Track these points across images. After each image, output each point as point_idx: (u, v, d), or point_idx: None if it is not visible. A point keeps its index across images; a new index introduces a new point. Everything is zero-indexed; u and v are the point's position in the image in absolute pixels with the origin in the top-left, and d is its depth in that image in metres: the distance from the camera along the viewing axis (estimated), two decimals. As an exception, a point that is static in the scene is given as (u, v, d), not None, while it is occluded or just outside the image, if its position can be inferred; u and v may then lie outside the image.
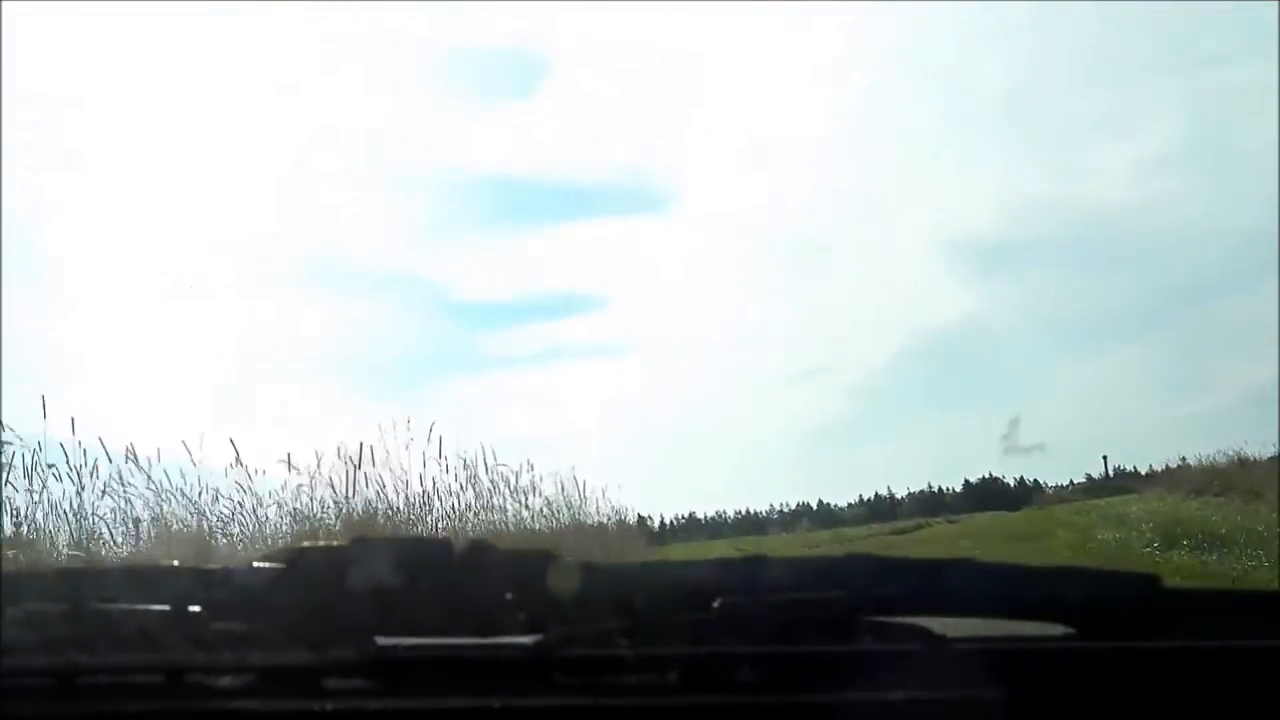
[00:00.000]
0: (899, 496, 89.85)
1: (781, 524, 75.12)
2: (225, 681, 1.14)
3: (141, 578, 1.32)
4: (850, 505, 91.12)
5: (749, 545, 34.13)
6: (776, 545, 34.76)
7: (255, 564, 1.25)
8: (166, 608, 1.16)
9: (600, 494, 17.04)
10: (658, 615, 1.15)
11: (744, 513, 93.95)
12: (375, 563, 1.18)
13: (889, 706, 1.07)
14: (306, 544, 1.31)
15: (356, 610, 1.15)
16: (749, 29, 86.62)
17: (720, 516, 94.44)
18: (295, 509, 11.56)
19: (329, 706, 1.09)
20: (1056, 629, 1.14)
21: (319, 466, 11.67)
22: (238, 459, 11.05)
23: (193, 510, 10.66)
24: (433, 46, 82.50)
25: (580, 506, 16.55)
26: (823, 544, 30.22)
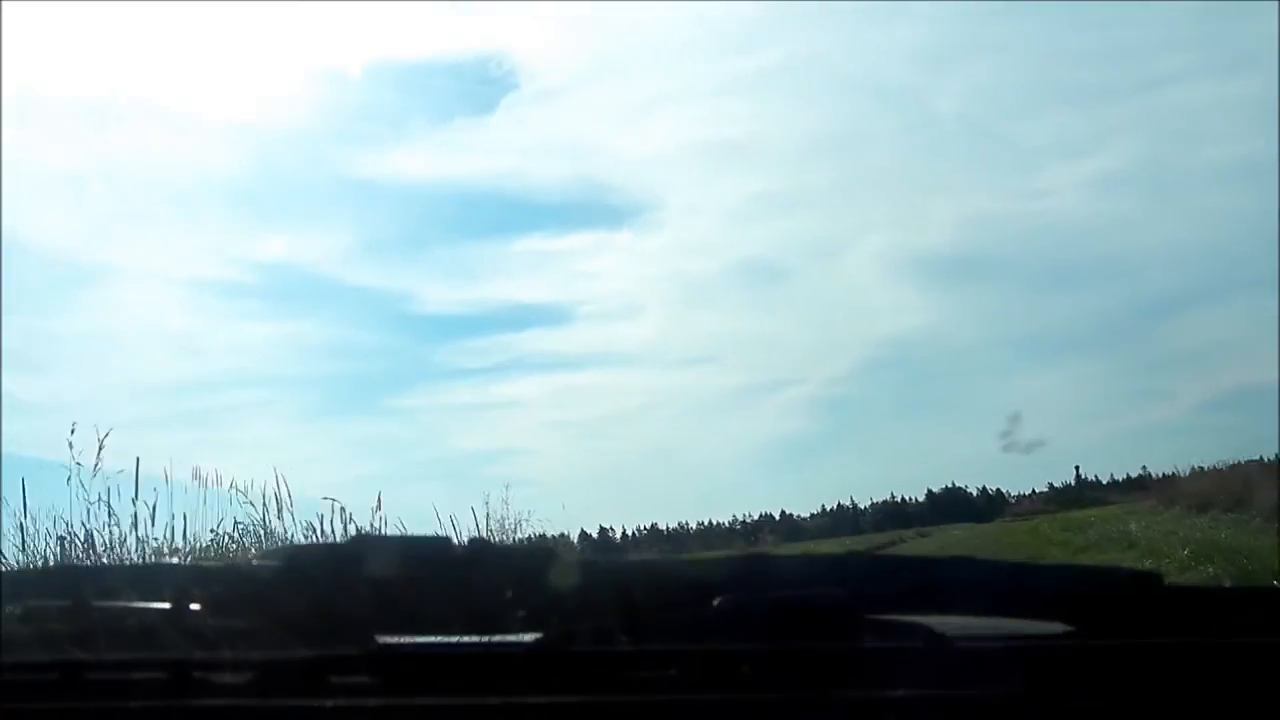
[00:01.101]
0: (862, 507, 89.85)
1: (744, 535, 74.38)
2: (226, 678, 1.13)
3: (142, 575, 1.39)
4: (813, 515, 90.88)
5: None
6: None
7: (256, 561, 1.29)
8: (167, 605, 1.16)
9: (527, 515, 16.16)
10: (658, 612, 1.14)
11: (707, 524, 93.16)
12: (376, 560, 1.18)
13: (889, 704, 1.07)
14: (306, 542, 1.28)
15: (357, 607, 1.15)
16: (710, 48, 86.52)
17: (683, 528, 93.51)
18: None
19: (330, 704, 1.10)
20: (1056, 627, 1.13)
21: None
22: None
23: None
24: (398, 57, 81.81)
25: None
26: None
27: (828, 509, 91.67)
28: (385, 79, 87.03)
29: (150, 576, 1.33)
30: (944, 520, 65.43)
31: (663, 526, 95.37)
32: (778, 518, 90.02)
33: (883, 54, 78.12)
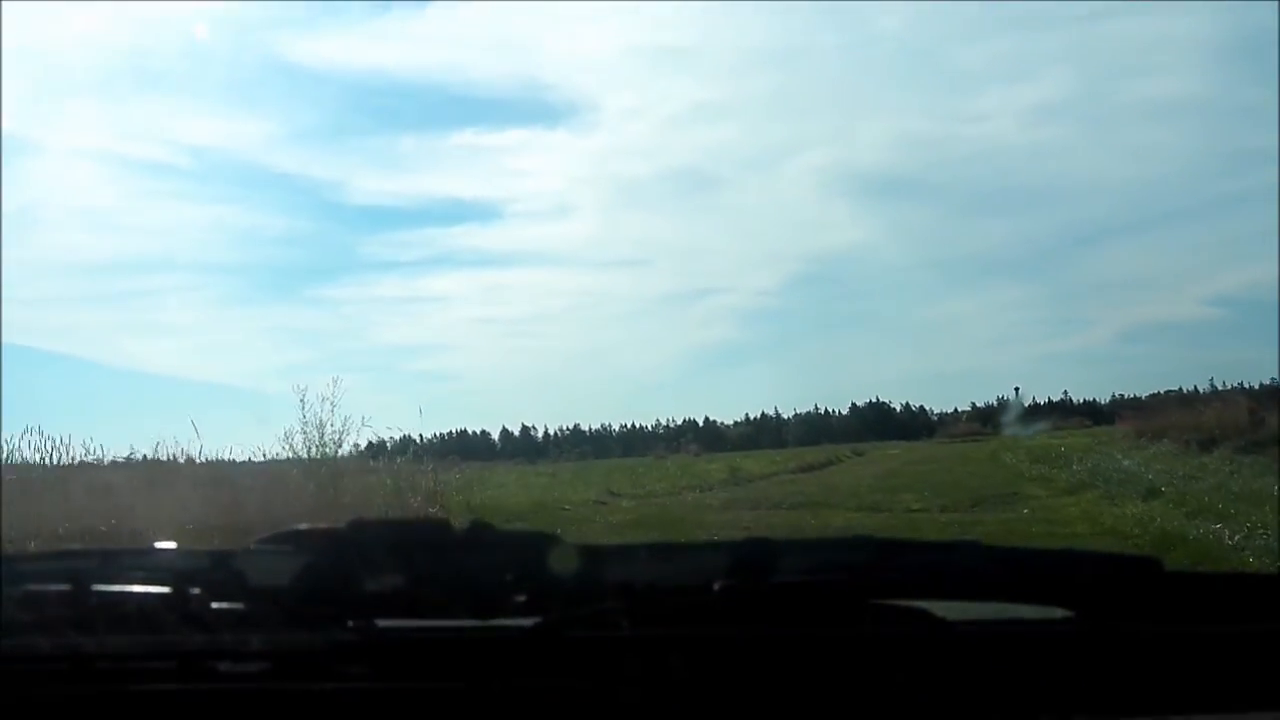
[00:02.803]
0: (785, 417, 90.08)
1: (666, 440, 73.73)
2: (225, 663, 1.13)
3: (141, 560, 1.32)
4: (735, 424, 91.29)
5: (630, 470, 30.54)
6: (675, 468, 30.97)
7: (254, 546, 1.24)
8: (167, 590, 1.15)
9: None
10: (658, 597, 1.14)
11: (629, 427, 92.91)
12: (374, 544, 1.19)
13: (892, 689, 1.07)
14: (305, 526, 1.22)
15: (356, 592, 1.14)
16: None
17: (605, 429, 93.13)
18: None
19: (329, 688, 1.10)
20: (1057, 612, 1.13)
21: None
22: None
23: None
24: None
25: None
26: (717, 476, 25.87)
27: (751, 418, 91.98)
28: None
29: (150, 561, 1.31)
30: (870, 435, 65.27)
31: (585, 428, 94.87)
32: (700, 424, 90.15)
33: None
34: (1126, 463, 18.23)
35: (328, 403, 15.24)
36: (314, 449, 15.03)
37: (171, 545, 1.44)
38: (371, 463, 16.89)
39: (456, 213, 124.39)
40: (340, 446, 15.48)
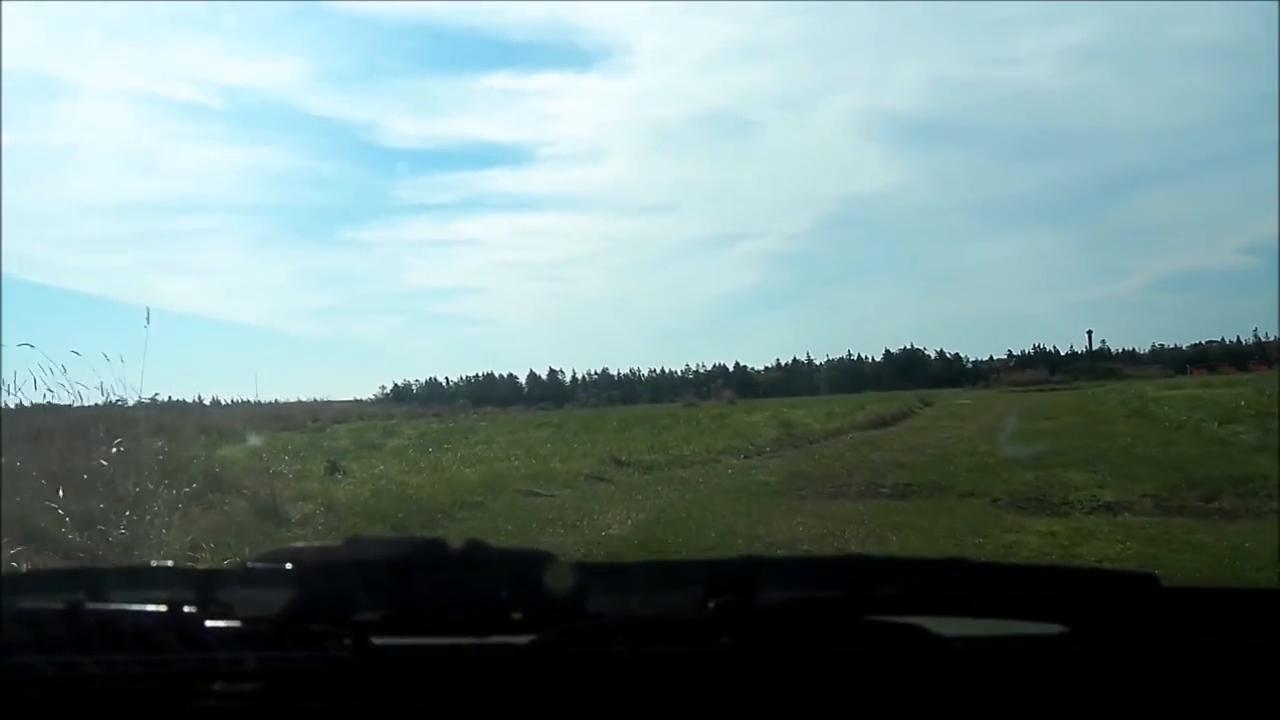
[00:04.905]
0: (817, 363, 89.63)
1: (695, 385, 73.51)
2: (221, 682, 1.13)
3: (137, 578, 1.31)
4: (767, 369, 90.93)
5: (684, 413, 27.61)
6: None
7: (250, 564, 1.24)
8: (163, 608, 1.15)
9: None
10: (654, 615, 1.13)
11: (659, 372, 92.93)
12: (370, 562, 1.18)
13: (887, 707, 1.07)
14: (301, 544, 1.26)
15: (352, 610, 1.14)
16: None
17: (634, 374, 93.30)
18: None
19: (325, 706, 1.10)
20: (1053, 629, 1.13)
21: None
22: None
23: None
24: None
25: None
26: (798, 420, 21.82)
27: (782, 363, 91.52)
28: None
29: (146, 579, 1.30)
30: (905, 382, 64.50)
31: (614, 372, 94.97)
32: (731, 369, 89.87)
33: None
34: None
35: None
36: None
37: (168, 564, 1.55)
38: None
39: (488, 156, 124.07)
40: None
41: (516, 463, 14.48)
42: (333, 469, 13.65)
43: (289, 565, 1.18)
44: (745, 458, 15.82)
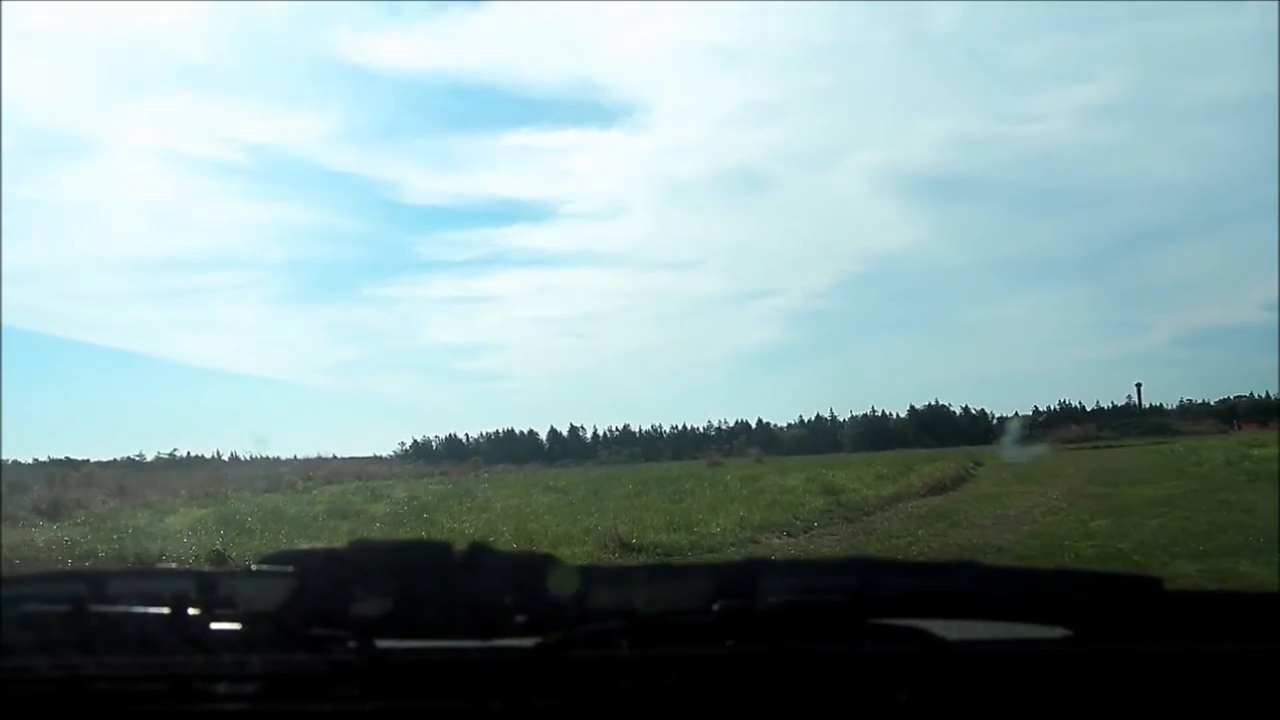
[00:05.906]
0: (840, 420, 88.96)
1: (718, 442, 73.06)
2: (225, 685, 1.13)
3: (141, 581, 1.31)
4: (789, 426, 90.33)
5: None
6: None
7: (254, 566, 1.23)
8: (166, 611, 1.15)
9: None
10: (658, 618, 1.13)
11: (681, 428, 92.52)
12: (374, 565, 1.18)
13: (891, 709, 1.07)
14: (305, 547, 1.21)
15: (356, 613, 1.14)
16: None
17: (656, 430, 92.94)
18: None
19: (329, 709, 1.10)
20: (1056, 632, 1.13)
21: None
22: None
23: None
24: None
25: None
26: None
27: (805, 420, 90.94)
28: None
29: (150, 582, 1.29)
30: (929, 439, 63.67)
31: (635, 429, 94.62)
32: (754, 426, 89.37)
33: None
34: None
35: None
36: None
37: (171, 566, 1.51)
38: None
39: (510, 213, 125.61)
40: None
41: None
42: (220, 558, 10.15)
43: (292, 568, 1.19)
44: (790, 535, 12.89)
